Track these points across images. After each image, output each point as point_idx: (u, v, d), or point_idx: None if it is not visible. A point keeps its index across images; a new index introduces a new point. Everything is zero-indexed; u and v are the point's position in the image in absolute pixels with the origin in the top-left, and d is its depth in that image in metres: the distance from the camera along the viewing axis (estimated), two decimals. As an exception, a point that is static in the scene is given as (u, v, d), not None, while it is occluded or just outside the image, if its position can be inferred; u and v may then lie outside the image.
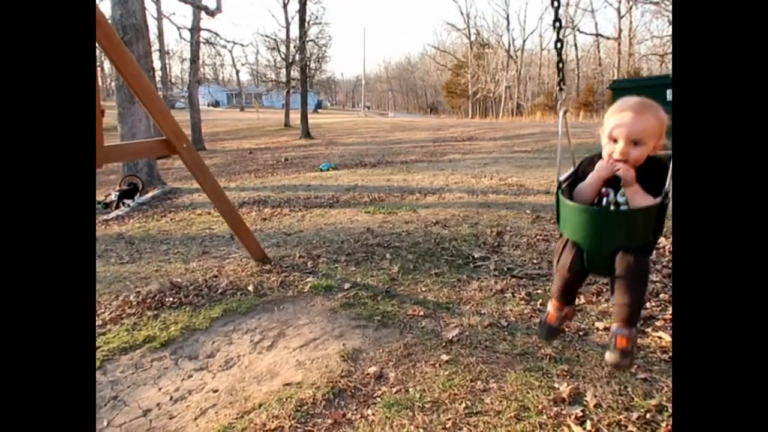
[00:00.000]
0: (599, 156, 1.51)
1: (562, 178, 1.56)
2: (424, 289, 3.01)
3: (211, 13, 12.56)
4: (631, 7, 35.70)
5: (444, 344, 2.31)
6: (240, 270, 3.48)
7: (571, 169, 1.60)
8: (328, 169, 10.02)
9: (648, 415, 1.73)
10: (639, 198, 1.40)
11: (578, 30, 42.21)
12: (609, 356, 1.44)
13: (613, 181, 1.45)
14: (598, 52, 42.38)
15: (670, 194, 1.41)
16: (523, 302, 2.75)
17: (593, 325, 2.43)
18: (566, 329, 2.33)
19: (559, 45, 1.70)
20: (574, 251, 1.47)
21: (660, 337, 2.28)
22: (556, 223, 1.59)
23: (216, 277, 3.38)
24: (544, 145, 12.51)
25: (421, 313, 2.65)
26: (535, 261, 3.43)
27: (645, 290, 1.52)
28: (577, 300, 2.14)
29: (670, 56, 32.07)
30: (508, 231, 4.17)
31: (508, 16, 49.98)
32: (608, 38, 39.82)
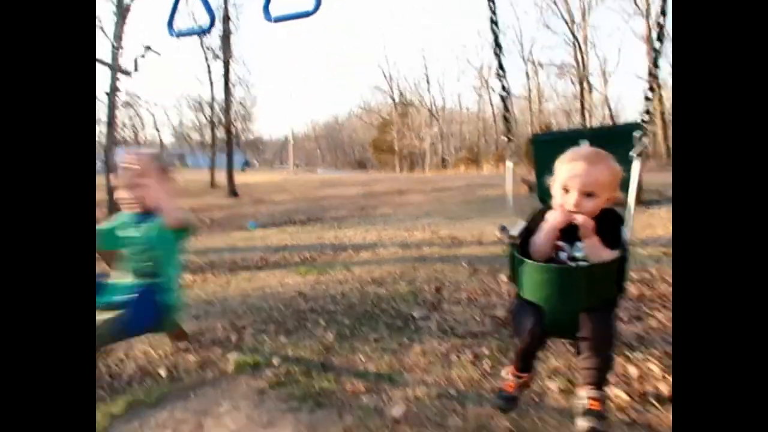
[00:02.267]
0: (550, 208, 1.40)
1: (514, 232, 1.43)
2: (363, 358, 2.73)
3: (127, 73, 12.11)
4: (536, 71, 39.07)
5: (389, 425, 2.04)
6: (151, 351, 3.02)
7: (522, 223, 1.48)
8: (255, 228, 9.61)
9: (622, 494, 1.55)
10: (598, 250, 1.30)
11: (492, 89, 45.37)
12: (582, 423, 1.28)
13: (568, 235, 1.34)
14: (512, 109, 45.57)
15: (629, 246, 1.32)
16: (470, 365, 2.55)
17: (546, 386, 2.26)
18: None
19: (504, 94, 1.69)
20: (534, 313, 1.32)
21: (617, 396, 2.14)
22: (510, 282, 1.45)
23: (122, 361, 2.91)
24: (472, 197, 12.86)
25: (362, 388, 2.37)
26: (477, 318, 3.27)
27: (613, 349, 1.40)
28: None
29: (576, 111, 35.08)
30: (446, 286, 4.03)
31: (428, 78, 53.04)
32: (519, 97, 43.03)
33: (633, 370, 2.36)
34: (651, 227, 6.08)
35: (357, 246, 6.31)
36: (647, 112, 1.38)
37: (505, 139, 1.61)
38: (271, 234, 8.50)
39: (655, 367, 2.36)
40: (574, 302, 1.28)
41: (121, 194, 2.25)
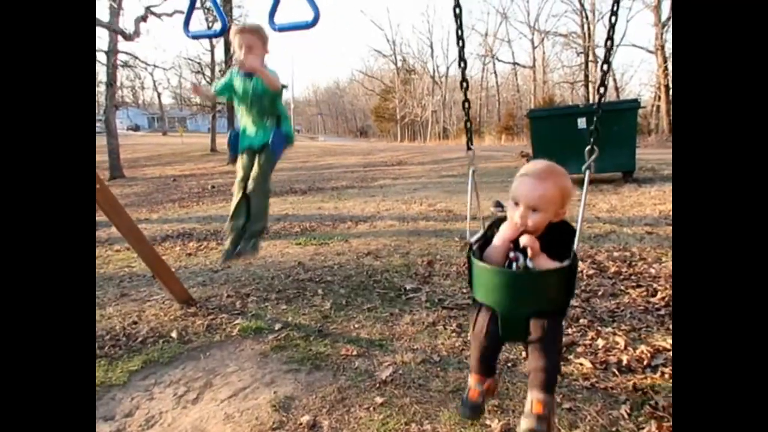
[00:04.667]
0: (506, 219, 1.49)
1: (472, 239, 1.52)
2: (357, 325, 2.98)
3: (129, 38, 12.05)
4: (543, 39, 38.43)
5: (378, 385, 2.29)
6: (162, 314, 3.28)
7: (481, 231, 1.57)
8: (257, 197, 9.78)
9: (574, 447, 1.80)
10: (544, 265, 1.40)
11: (497, 59, 44.77)
12: (524, 422, 1.34)
13: (522, 246, 1.43)
14: (516, 79, 45.09)
15: (578, 255, 1.41)
16: (454, 334, 2.80)
17: (521, 354, 2.51)
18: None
19: (464, 84, 1.58)
20: (489, 316, 1.43)
21: (581, 364, 2.40)
22: (468, 285, 1.55)
23: (135, 323, 3.17)
24: (470, 169, 12.95)
25: (355, 353, 2.62)
26: (464, 290, 3.50)
27: (560, 354, 1.51)
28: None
29: (580, 83, 34.73)
30: (438, 260, 4.26)
31: (431, 44, 52.03)
32: (524, 66, 42.48)
33: (600, 342, 2.61)
34: (640, 206, 6.27)
35: (355, 218, 6.52)
36: (595, 129, 1.45)
37: (466, 147, 1.62)
38: (272, 203, 8.66)
39: (621, 340, 2.61)
40: (525, 306, 1.37)
41: (237, 54, 2.91)
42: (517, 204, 1.44)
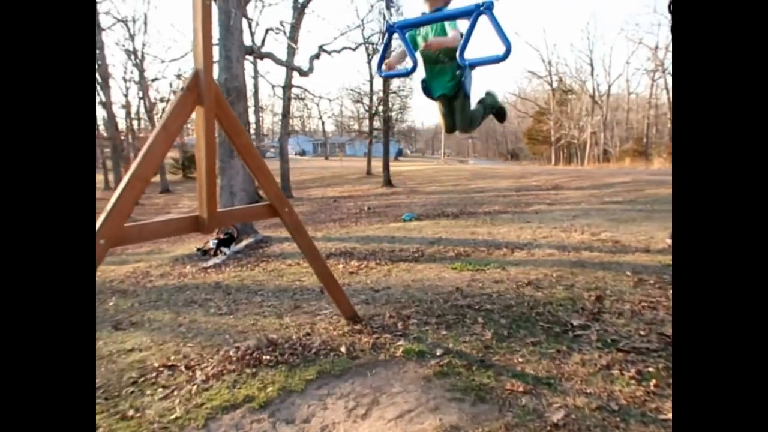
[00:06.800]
0: None
1: None
2: (521, 359, 2.86)
3: (305, 74, 13.48)
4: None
5: (549, 428, 2.16)
6: (331, 329, 3.53)
7: None
8: (410, 220, 10.10)
9: None
10: None
11: (668, 73, 40.43)
12: None
13: None
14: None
15: None
16: (633, 382, 2.53)
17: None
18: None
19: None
20: None
21: None
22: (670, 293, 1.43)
23: (309, 335, 3.45)
24: (638, 195, 11.81)
25: (521, 389, 2.51)
26: (642, 332, 3.16)
27: None
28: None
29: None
30: (608, 295, 3.91)
31: (591, 61, 48.70)
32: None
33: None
34: None
35: (511, 244, 6.34)
36: None
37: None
38: (425, 226, 8.88)
39: None
40: None
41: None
42: None
